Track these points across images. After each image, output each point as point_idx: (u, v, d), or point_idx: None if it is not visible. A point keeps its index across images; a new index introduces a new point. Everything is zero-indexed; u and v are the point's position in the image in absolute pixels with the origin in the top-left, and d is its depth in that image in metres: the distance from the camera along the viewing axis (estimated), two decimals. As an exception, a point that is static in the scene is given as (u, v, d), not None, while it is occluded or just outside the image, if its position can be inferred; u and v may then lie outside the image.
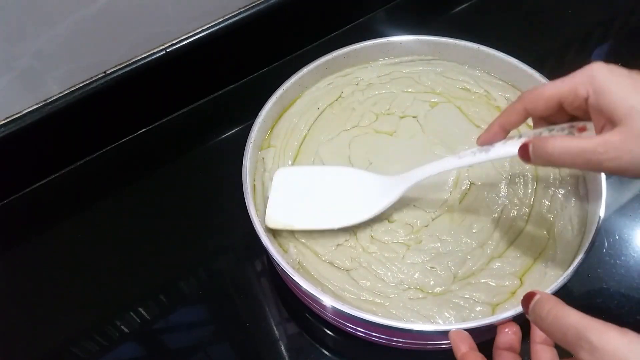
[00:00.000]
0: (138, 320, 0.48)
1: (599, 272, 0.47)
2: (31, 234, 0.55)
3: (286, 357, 0.45)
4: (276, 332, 0.46)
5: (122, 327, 0.48)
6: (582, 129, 0.34)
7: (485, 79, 0.52)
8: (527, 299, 0.31)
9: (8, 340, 0.48)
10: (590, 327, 0.26)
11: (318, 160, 0.48)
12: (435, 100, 0.51)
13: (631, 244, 0.49)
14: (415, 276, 0.41)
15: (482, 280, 0.40)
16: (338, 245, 0.43)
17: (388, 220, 0.44)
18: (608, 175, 0.40)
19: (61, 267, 0.52)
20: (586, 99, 0.32)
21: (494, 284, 0.40)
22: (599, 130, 0.32)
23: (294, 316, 0.47)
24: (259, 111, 0.59)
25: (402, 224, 0.44)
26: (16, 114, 0.51)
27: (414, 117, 0.50)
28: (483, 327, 0.35)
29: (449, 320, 0.39)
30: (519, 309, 0.34)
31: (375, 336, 0.41)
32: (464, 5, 0.71)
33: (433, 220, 0.44)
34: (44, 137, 0.54)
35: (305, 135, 0.50)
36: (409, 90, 0.52)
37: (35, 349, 0.47)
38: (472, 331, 0.35)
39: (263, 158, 0.49)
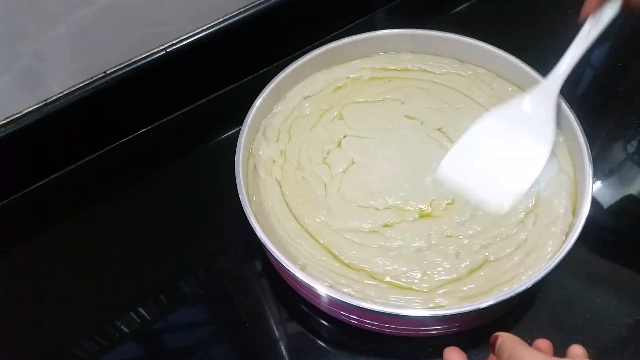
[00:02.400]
0: (138, 320, 0.48)
1: (591, 270, 0.47)
2: (31, 234, 0.55)
3: (286, 357, 0.45)
4: (276, 332, 0.46)
5: (122, 327, 0.48)
6: None
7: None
8: (493, 341, 0.32)
9: (8, 340, 0.48)
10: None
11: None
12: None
13: (622, 243, 0.49)
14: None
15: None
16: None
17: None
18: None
19: (61, 267, 0.52)
20: None
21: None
22: None
23: (294, 316, 0.47)
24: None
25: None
26: (16, 114, 0.51)
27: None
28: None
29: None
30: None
31: (367, 323, 0.42)
32: (464, 5, 0.71)
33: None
34: (44, 137, 0.54)
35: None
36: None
37: (35, 349, 0.47)
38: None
39: (260, 152, 0.49)
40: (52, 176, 0.58)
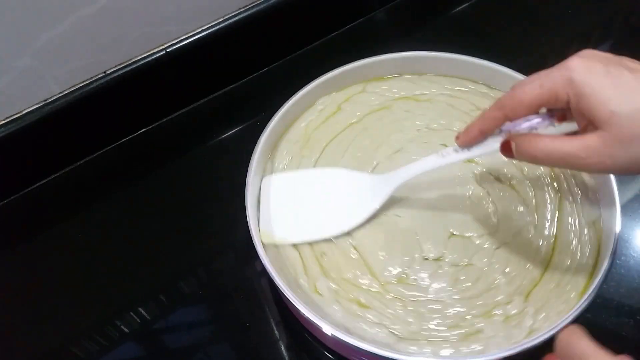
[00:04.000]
0: (138, 320, 0.48)
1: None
2: (31, 234, 0.54)
3: (286, 357, 0.45)
4: (276, 332, 0.46)
5: (122, 327, 0.48)
6: (561, 119, 0.34)
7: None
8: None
9: (8, 340, 0.48)
10: (595, 355, 0.27)
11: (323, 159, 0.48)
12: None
13: (631, 244, 0.49)
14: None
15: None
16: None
17: None
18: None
19: (61, 267, 0.52)
20: (567, 102, 0.32)
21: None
22: (582, 129, 0.32)
23: (294, 316, 0.47)
24: (259, 111, 0.59)
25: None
26: (16, 114, 0.51)
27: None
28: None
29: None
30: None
31: None
32: (464, 5, 0.71)
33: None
34: (44, 137, 0.54)
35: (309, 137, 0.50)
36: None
37: (35, 349, 0.47)
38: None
39: (272, 162, 0.49)
40: (52, 176, 0.58)
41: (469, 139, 0.37)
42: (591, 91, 0.30)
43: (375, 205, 0.44)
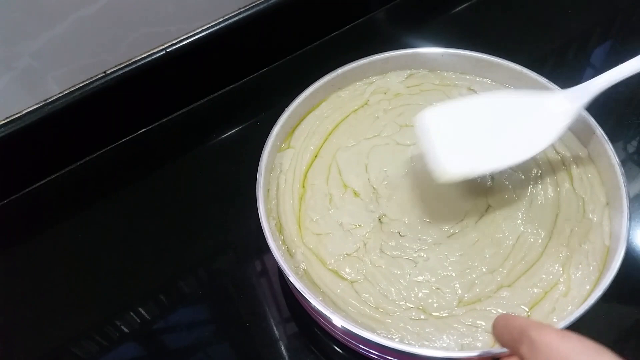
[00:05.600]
0: (138, 320, 0.48)
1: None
2: (31, 234, 0.55)
3: (286, 357, 0.45)
4: (276, 332, 0.46)
5: (122, 327, 0.48)
6: None
7: None
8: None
9: (8, 340, 0.48)
10: (533, 326, 0.28)
11: (335, 166, 0.48)
12: None
13: (630, 244, 0.49)
14: (419, 295, 0.40)
15: (488, 308, 0.39)
16: (346, 254, 0.42)
17: (400, 234, 0.43)
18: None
19: (61, 267, 0.52)
20: None
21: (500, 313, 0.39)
22: None
23: (294, 316, 0.47)
24: (259, 111, 0.59)
25: (414, 239, 0.43)
26: (16, 114, 0.51)
27: None
28: (485, 355, 0.34)
29: (449, 345, 0.37)
30: None
31: (375, 354, 0.40)
32: (464, 5, 0.71)
33: (447, 237, 0.42)
34: (44, 137, 0.54)
35: (326, 139, 0.49)
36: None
37: (35, 349, 0.47)
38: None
39: (281, 162, 0.48)
40: (52, 176, 0.58)
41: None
42: None
43: (563, 123, 0.40)
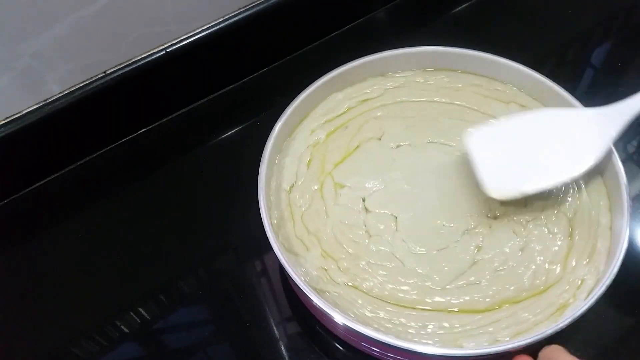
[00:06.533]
0: (138, 320, 0.48)
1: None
2: (31, 234, 0.54)
3: (286, 357, 0.45)
4: (276, 332, 0.46)
5: (122, 327, 0.48)
6: None
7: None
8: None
9: (8, 340, 0.48)
10: None
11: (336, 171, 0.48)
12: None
13: (631, 244, 0.49)
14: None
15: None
16: (349, 252, 0.42)
17: (402, 230, 0.43)
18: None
19: (61, 267, 0.52)
20: None
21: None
22: None
23: (294, 316, 0.47)
24: (259, 111, 0.59)
25: (417, 238, 0.43)
26: (16, 114, 0.51)
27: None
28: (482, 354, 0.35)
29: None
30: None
31: (376, 351, 0.41)
32: (464, 5, 0.71)
33: (456, 241, 0.42)
34: (44, 137, 0.54)
35: (326, 139, 0.49)
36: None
37: (35, 349, 0.47)
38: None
39: (281, 162, 0.47)
40: (52, 176, 0.58)
41: None
42: None
43: (605, 143, 0.41)
